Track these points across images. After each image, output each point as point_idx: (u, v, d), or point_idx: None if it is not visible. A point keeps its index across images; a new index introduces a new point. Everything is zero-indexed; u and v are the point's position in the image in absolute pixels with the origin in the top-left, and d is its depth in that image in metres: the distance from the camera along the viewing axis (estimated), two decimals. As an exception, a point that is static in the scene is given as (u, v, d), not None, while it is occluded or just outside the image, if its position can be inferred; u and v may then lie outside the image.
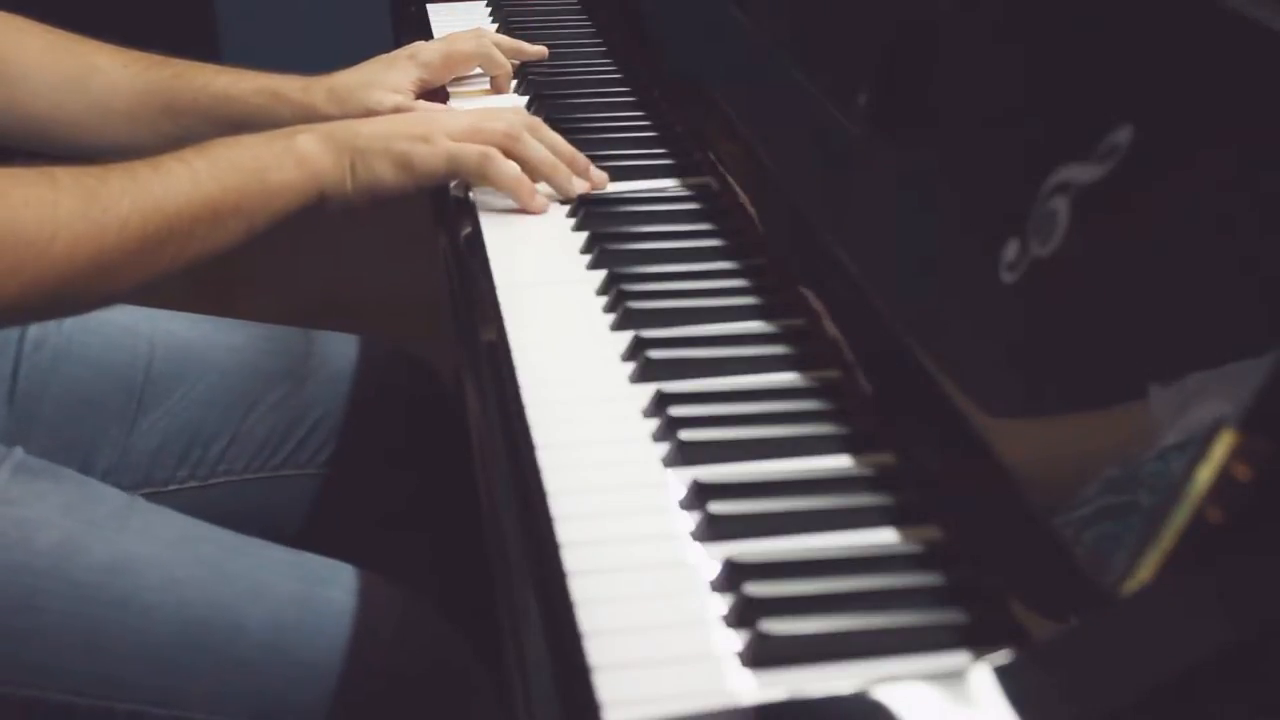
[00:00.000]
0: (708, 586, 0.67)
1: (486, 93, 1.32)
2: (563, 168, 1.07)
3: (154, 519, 1.01)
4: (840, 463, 0.77)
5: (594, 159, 1.13)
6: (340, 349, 1.25)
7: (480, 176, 1.04)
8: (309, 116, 1.16)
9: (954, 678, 0.56)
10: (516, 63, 1.34)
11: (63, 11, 1.20)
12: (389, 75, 1.22)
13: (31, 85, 1.15)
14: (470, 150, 1.03)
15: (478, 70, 1.32)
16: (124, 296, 1.01)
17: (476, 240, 1.02)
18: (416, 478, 1.24)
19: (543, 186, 1.07)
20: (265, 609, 0.97)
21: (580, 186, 1.07)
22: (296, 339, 1.25)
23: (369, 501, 1.24)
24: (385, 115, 1.10)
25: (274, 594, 0.98)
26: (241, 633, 0.96)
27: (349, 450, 1.21)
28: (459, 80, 1.32)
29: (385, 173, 1.02)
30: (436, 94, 1.28)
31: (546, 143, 1.07)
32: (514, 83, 1.36)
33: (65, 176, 0.89)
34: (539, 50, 1.35)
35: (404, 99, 1.21)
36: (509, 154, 1.05)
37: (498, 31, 1.47)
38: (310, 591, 0.99)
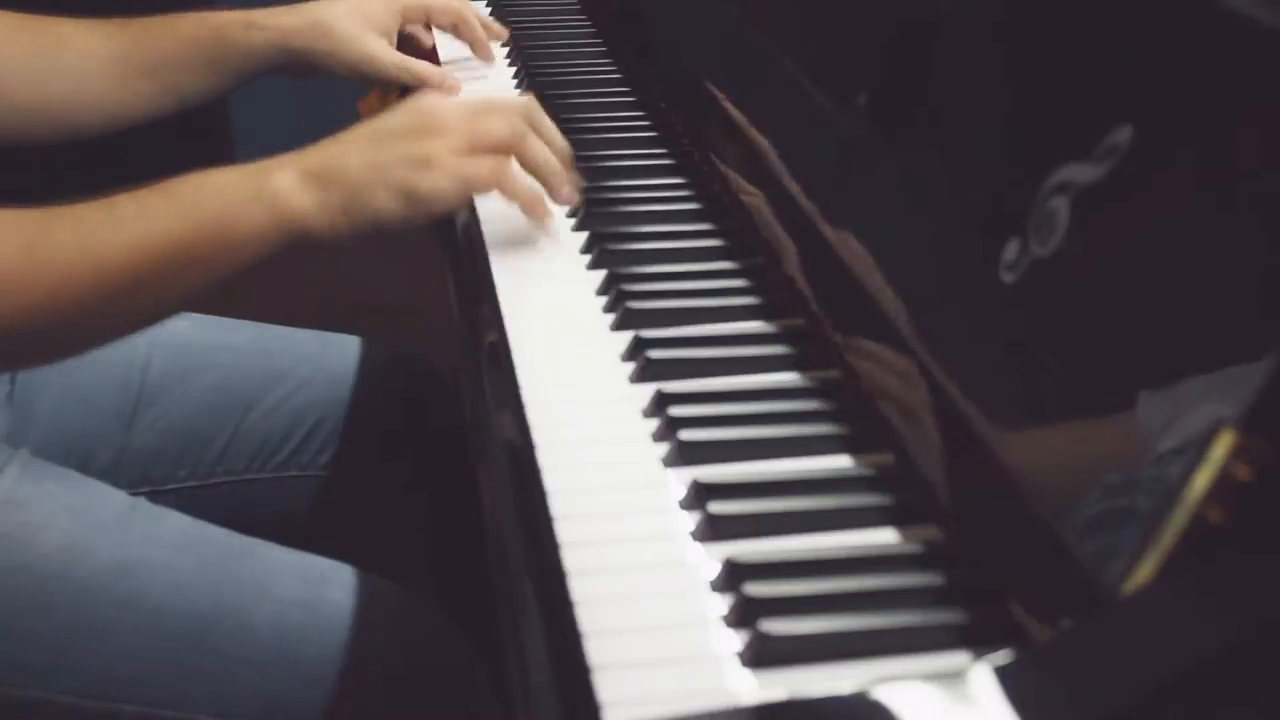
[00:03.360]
0: (708, 586, 0.67)
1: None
2: (561, 173, 0.98)
3: (158, 521, 1.01)
4: (840, 463, 0.77)
5: (594, 159, 1.13)
6: (340, 350, 1.25)
7: (495, 190, 0.96)
8: (284, 42, 1.14)
9: (954, 678, 0.56)
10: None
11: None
12: (375, 13, 1.18)
13: (3, 69, 1.12)
14: (482, 168, 0.94)
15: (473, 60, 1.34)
16: (66, 355, 0.97)
17: (477, 240, 1.02)
18: (417, 479, 1.24)
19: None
20: (269, 610, 0.97)
21: (571, 198, 0.99)
22: (296, 340, 1.25)
23: (370, 503, 1.24)
24: (374, 128, 0.95)
25: (278, 595, 0.98)
26: (246, 634, 0.96)
27: (349, 452, 1.21)
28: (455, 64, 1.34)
29: (388, 206, 0.91)
30: (429, 56, 1.28)
31: (545, 137, 0.99)
32: (512, 73, 1.36)
33: (4, 225, 0.83)
34: (500, 30, 1.36)
35: (391, 46, 1.19)
36: (510, 153, 0.97)
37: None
38: (313, 593, 0.99)
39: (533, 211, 0.97)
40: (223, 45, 1.14)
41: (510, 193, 0.95)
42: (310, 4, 1.17)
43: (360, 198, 0.90)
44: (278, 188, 0.89)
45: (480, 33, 1.32)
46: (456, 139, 0.93)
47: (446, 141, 0.92)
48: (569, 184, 0.99)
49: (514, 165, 0.96)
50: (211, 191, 0.89)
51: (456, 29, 1.32)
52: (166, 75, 1.15)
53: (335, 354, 1.24)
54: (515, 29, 1.45)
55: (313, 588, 1.00)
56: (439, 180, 0.91)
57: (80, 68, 1.13)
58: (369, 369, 1.24)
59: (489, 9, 1.55)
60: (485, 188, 0.95)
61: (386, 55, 1.19)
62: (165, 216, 0.86)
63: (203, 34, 1.14)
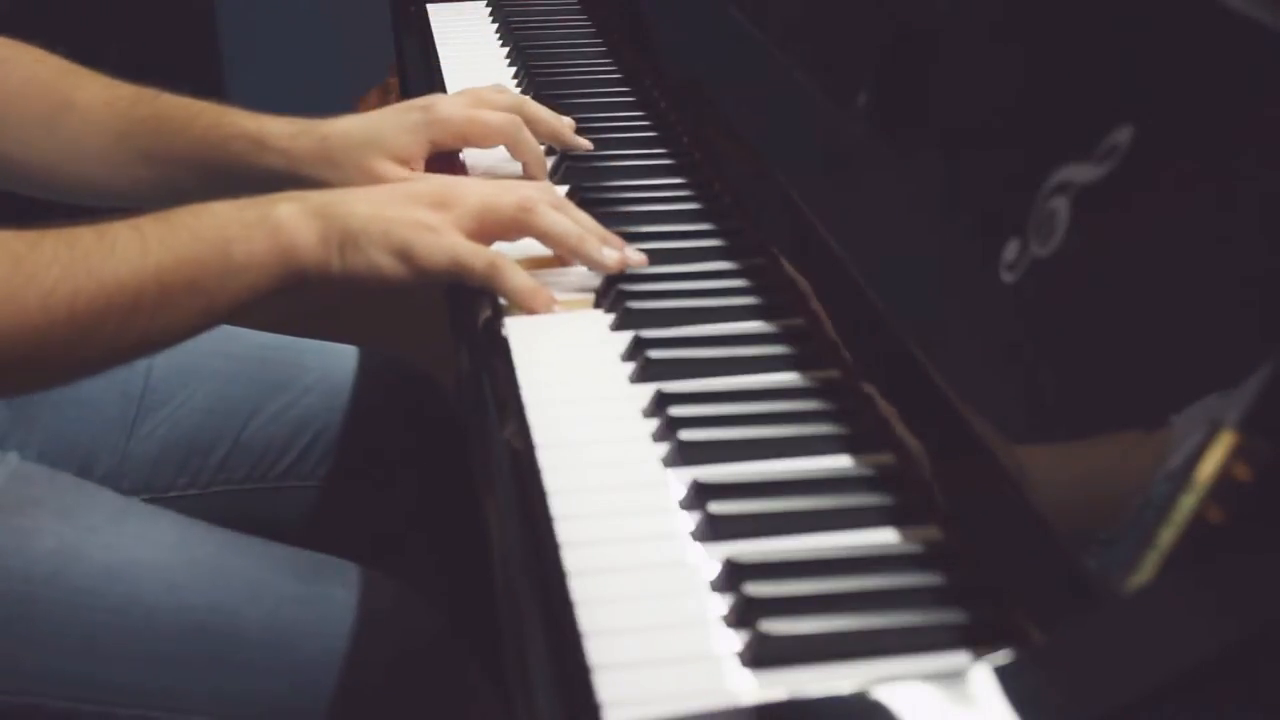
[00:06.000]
0: (708, 586, 0.67)
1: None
2: (590, 237, 0.94)
3: (151, 522, 1.01)
4: (840, 463, 0.77)
5: (594, 159, 1.12)
6: (341, 361, 1.24)
7: (486, 285, 0.91)
8: (294, 169, 1.04)
9: (954, 678, 0.56)
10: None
11: (67, 29, 1.14)
12: (395, 136, 1.04)
13: (2, 122, 1.06)
14: (478, 257, 0.90)
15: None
16: (55, 381, 0.94)
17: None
18: (418, 487, 1.24)
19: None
20: (265, 609, 0.97)
21: (612, 255, 0.94)
22: (297, 350, 1.25)
23: (371, 512, 1.23)
24: (390, 188, 0.95)
25: (273, 594, 0.98)
26: (242, 634, 0.96)
27: (351, 462, 1.21)
28: None
29: (383, 261, 0.89)
30: (452, 163, 1.10)
31: (570, 215, 0.95)
32: (512, 73, 1.35)
33: None
34: (583, 143, 1.12)
35: (407, 173, 1.04)
36: (525, 227, 0.93)
37: (499, 33, 1.47)
38: (309, 590, 0.99)
39: (534, 309, 0.91)
40: (228, 158, 1.04)
41: (502, 290, 0.91)
42: (329, 121, 1.05)
43: (359, 245, 0.88)
44: (281, 217, 0.88)
45: (536, 154, 1.09)
46: (465, 212, 0.91)
47: (455, 214, 0.91)
48: (606, 246, 0.94)
49: (513, 267, 0.91)
50: (211, 217, 0.87)
51: (510, 151, 1.10)
52: (167, 171, 1.06)
53: (335, 365, 1.24)
54: (515, 29, 1.45)
55: (309, 585, 1.00)
56: (435, 250, 0.89)
57: (76, 140, 1.07)
58: (369, 379, 1.24)
59: (489, 10, 1.55)
60: (477, 277, 0.91)
61: (389, 174, 1.03)
62: (163, 240, 0.85)
63: (211, 139, 1.04)
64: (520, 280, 0.91)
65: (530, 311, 0.91)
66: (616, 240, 0.95)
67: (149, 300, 0.84)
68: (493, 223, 0.92)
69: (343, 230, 0.88)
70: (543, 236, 0.94)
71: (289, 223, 0.88)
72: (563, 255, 0.96)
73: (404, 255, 0.89)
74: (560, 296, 0.93)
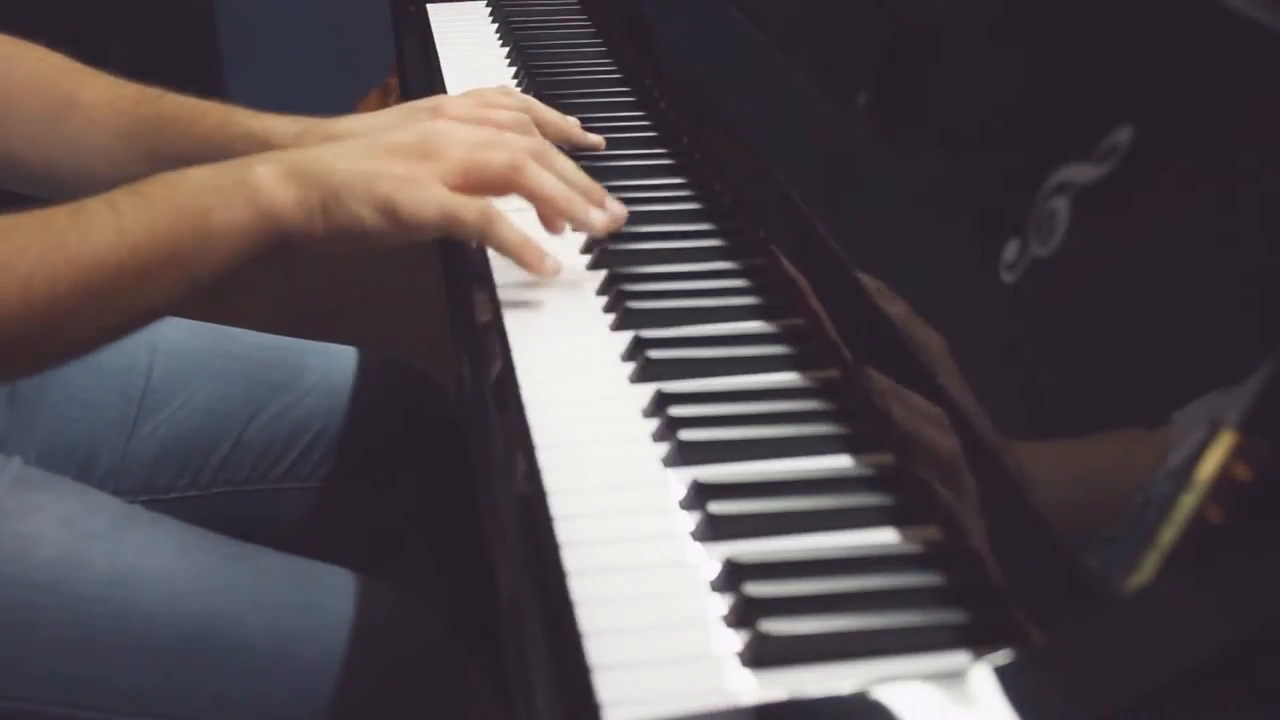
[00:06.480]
0: (708, 586, 0.67)
1: None
2: (577, 198, 0.93)
3: (153, 529, 1.01)
4: (840, 463, 0.77)
5: (594, 159, 1.12)
6: (341, 361, 1.24)
7: (479, 237, 0.90)
8: None
9: (954, 678, 0.56)
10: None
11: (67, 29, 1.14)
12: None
13: (6, 118, 1.06)
14: (469, 208, 0.88)
15: None
16: (39, 368, 0.95)
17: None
18: (418, 487, 1.24)
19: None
20: (265, 617, 0.97)
21: (599, 218, 0.93)
22: (297, 350, 1.25)
23: (371, 512, 1.24)
24: (372, 140, 0.92)
25: (273, 602, 0.98)
26: (242, 642, 0.96)
27: (350, 462, 1.21)
28: None
29: (366, 215, 0.86)
30: None
31: (557, 171, 0.93)
32: (512, 73, 1.35)
33: None
34: (595, 140, 1.13)
35: None
36: (513, 186, 0.92)
37: (499, 33, 1.47)
38: (309, 599, 0.99)
39: (525, 263, 0.91)
40: (232, 158, 0.99)
41: (495, 243, 0.90)
42: (335, 120, 1.04)
43: (341, 202, 0.86)
44: (258, 181, 0.85)
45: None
46: (450, 166, 0.89)
47: (439, 167, 0.89)
48: (590, 209, 0.93)
49: (505, 219, 0.90)
50: (187, 185, 0.85)
51: None
52: (167, 169, 1.00)
53: (335, 366, 1.24)
54: (515, 29, 1.45)
55: (309, 594, 1.00)
56: (422, 205, 0.87)
57: (82, 137, 1.06)
58: (368, 380, 1.24)
59: (490, 10, 1.55)
60: (469, 229, 0.88)
61: None
62: (138, 214, 0.83)
63: (217, 140, 1.02)
64: (513, 233, 0.89)
65: (522, 265, 0.90)
66: (600, 193, 0.94)
67: (129, 278, 0.82)
68: (479, 179, 0.90)
69: (324, 188, 0.86)
70: (530, 195, 0.92)
71: (266, 184, 0.85)
72: (548, 215, 0.94)
73: (388, 210, 0.86)
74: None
